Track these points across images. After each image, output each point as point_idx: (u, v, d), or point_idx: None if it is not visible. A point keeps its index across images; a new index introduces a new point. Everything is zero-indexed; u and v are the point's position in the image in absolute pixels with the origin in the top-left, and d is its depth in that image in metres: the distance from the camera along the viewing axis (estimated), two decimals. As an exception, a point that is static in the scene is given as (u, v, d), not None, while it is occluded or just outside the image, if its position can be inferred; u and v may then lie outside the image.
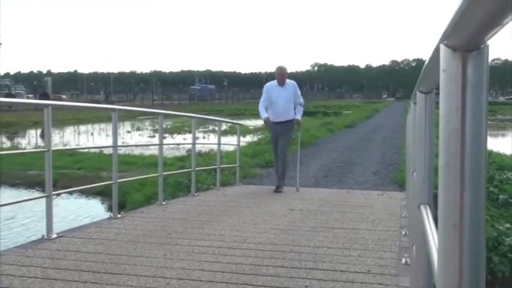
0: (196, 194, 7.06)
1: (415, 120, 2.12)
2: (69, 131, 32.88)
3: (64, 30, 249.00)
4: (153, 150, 18.43)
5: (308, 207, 6.13)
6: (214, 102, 74.22)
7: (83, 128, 33.60)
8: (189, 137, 27.21)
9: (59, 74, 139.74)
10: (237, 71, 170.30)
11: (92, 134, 30.11)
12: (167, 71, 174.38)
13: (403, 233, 4.60)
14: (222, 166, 8.19)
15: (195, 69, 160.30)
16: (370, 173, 11.01)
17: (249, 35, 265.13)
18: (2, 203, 4.47)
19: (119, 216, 5.25)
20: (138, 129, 31.76)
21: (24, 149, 20.00)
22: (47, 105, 4.26)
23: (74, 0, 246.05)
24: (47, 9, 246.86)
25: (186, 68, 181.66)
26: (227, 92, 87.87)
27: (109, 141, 24.95)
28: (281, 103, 7.44)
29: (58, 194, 5.11)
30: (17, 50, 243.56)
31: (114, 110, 5.33)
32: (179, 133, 27.71)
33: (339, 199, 7.00)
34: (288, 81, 7.57)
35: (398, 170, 10.84)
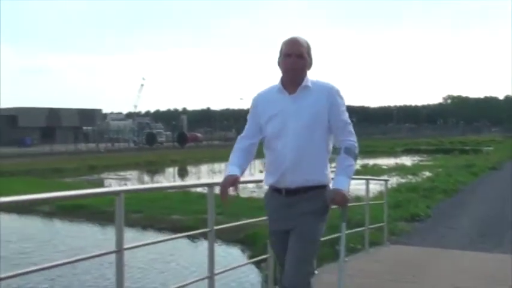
0: (345, 260, 6.68)
1: None
2: (204, 169, 34.15)
3: (197, 68, 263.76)
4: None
5: (476, 285, 5.51)
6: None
7: (216, 166, 34.57)
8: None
9: (193, 112, 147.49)
10: (365, 105, 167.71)
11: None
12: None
13: None
14: (370, 227, 7.73)
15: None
16: (534, 231, 9.88)
17: (376, 67, 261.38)
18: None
19: (273, 291, 5.05)
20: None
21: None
22: (210, 185, 4.24)
23: (206, 44, 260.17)
24: (180, 49, 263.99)
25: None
26: (355, 128, 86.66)
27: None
28: (290, 138, 2.97)
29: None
30: (156, 89, 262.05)
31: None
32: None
33: (510, 273, 6.24)
34: (312, 81, 3.04)
35: None
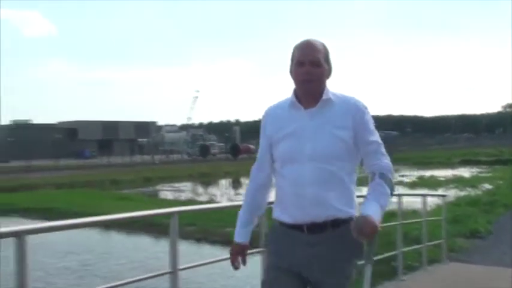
0: (403, 278, 6.50)
1: None
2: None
3: (250, 79, 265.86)
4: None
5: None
6: (398, 149, 72.20)
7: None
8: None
9: (246, 123, 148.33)
10: (420, 115, 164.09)
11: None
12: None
13: None
14: (428, 244, 7.50)
15: (376, 114, 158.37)
16: None
17: (431, 74, 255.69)
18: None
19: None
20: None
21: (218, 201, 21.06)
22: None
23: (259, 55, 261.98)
24: (233, 61, 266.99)
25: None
26: (410, 138, 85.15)
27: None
28: (307, 162, 2.36)
29: None
30: (209, 101, 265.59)
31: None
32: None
33: None
34: (333, 93, 2.45)
35: None
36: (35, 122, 77.09)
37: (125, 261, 11.64)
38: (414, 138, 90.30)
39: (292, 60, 2.44)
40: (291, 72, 2.44)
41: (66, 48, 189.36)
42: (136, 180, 33.42)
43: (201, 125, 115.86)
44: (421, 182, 26.44)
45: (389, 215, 11.59)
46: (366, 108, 2.44)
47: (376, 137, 2.44)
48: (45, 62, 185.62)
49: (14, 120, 76.79)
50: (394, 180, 2.45)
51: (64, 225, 2.61)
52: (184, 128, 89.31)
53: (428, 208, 10.00)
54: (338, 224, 2.32)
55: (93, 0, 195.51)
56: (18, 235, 2.39)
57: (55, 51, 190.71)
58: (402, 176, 32.92)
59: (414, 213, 10.99)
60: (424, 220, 7.45)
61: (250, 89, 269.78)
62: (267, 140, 2.49)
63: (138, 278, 2.91)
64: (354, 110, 2.39)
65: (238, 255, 2.53)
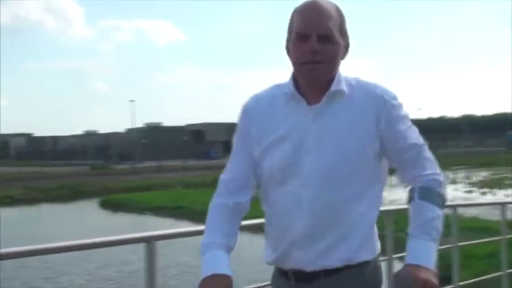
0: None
1: None
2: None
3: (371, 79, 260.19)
4: (472, 210, 16.71)
5: None
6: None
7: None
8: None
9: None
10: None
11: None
12: (480, 114, 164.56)
13: None
14: None
15: (504, 111, 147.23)
16: None
17: None
18: None
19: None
20: (453, 182, 30.13)
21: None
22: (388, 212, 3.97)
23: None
24: (354, 61, 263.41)
25: (501, 111, 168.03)
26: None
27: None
28: (305, 183, 1.59)
29: None
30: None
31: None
32: (500, 188, 25.17)
33: None
34: (348, 80, 1.65)
35: None
36: (165, 124, 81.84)
37: (255, 261, 11.83)
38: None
39: (290, 30, 1.65)
40: (288, 49, 1.67)
41: (193, 55, 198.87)
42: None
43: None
44: None
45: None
46: (395, 98, 1.66)
47: (413, 138, 1.65)
48: (175, 68, 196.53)
49: (147, 123, 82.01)
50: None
51: (191, 232, 2.64)
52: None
53: None
54: (340, 271, 1.61)
55: (218, 9, 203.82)
56: (148, 240, 2.44)
57: (184, 58, 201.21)
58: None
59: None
60: None
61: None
62: (249, 143, 1.71)
63: (254, 286, 2.89)
64: (379, 103, 1.63)
65: None
